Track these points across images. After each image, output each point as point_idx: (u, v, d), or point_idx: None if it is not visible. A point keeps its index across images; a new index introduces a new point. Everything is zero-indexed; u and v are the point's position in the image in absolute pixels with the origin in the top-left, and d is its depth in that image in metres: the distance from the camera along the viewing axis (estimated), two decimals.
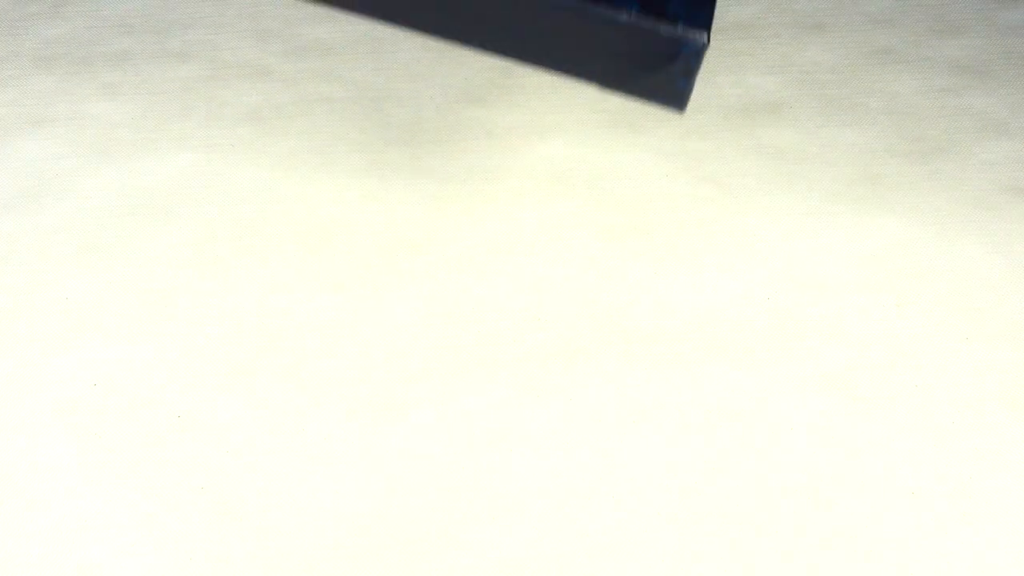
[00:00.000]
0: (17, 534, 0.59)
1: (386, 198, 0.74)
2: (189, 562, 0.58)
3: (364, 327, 0.66)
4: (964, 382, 0.64)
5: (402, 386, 0.63)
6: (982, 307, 0.67)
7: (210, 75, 0.83)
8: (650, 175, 0.76)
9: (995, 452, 0.61)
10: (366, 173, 0.76)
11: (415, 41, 0.85)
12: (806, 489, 0.60)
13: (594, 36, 0.50)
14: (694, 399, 0.62)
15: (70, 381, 0.65)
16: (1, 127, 0.77)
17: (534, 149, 0.78)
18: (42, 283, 0.69)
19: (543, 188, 0.75)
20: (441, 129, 0.79)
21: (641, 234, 0.72)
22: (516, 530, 0.57)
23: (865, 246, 0.70)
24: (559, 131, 0.79)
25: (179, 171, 0.74)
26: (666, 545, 0.58)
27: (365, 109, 0.81)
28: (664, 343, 0.65)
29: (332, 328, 0.67)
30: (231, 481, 0.60)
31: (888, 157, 0.74)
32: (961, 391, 0.64)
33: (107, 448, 0.62)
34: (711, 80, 0.83)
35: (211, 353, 0.65)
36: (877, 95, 0.78)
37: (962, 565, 0.57)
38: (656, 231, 0.72)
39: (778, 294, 0.68)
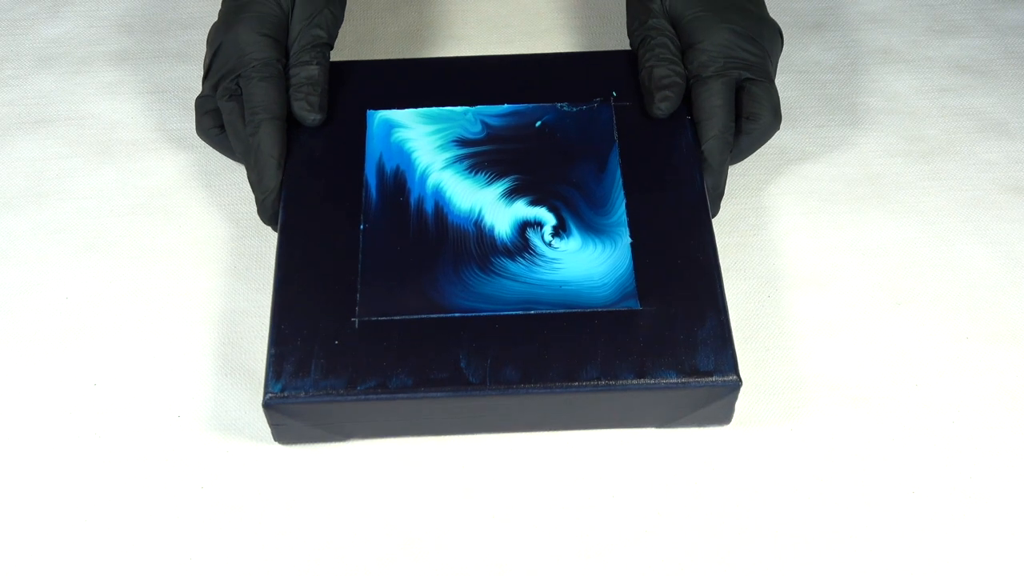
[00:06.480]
0: (17, 534, 0.59)
1: None
2: (189, 562, 0.58)
3: None
4: (964, 382, 0.64)
5: None
6: (982, 307, 0.67)
7: None
8: None
9: (995, 452, 0.61)
10: None
11: None
12: (805, 489, 0.60)
13: (639, 400, 0.59)
14: None
15: (70, 381, 0.65)
16: (1, 127, 0.77)
17: None
18: (42, 283, 0.69)
19: None
20: None
21: None
22: None
23: (865, 246, 0.70)
24: None
25: (179, 171, 0.74)
26: (662, 545, 0.58)
27: None
28: None
29: None
30: (231, 481, 0.60)
31: (888, 157, 0.74)
32: (961, 391, 0.64)
33: (107, 448, 0.62)
34: None
35: (211, 353, 0.65)
36: (877, 95, 0.78)
37: (962, 565, 0.57)
38: None
39: (778, 293, 0.68)
